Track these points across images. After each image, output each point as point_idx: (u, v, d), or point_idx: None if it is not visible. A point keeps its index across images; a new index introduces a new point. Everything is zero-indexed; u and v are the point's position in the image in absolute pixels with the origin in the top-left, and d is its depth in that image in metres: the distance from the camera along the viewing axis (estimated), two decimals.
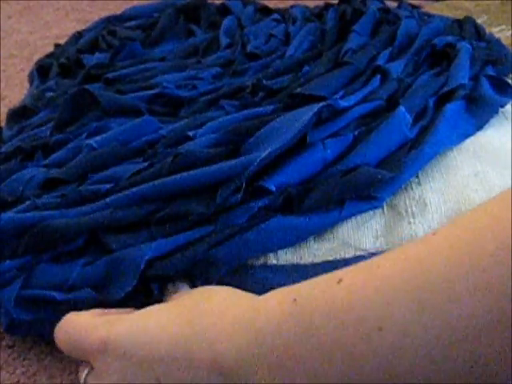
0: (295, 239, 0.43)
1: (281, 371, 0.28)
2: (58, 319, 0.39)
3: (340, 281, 0.27)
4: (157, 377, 0.31)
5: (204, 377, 0.30)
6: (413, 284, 0.25)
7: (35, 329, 0.44)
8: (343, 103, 0.51)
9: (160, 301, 0.41)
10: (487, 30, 0.69)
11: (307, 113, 0.47)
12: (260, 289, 0.36)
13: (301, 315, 0.28)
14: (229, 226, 0.43)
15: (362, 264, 0.28)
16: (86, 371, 0.36)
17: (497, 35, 0.70)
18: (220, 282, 0.41)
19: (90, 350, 0.34)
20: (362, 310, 0.26)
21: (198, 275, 0.42)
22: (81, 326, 0.36)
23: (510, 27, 0.82)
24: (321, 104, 0.48)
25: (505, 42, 0.68)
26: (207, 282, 0.42)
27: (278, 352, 0.28)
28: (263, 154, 0.44)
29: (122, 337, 0.33)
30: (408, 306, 0.24)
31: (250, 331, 0.29)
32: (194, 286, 0.42)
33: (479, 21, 0.73)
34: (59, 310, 0.42)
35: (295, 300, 0.28)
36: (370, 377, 0.26)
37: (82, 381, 0.36)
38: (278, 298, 0.30)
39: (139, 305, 0.42)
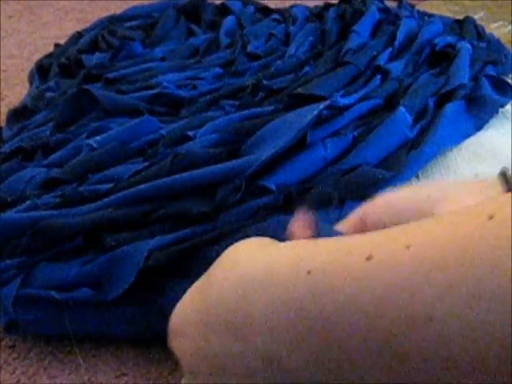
0: None
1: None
2: (57, 318, 0.39)
3: (370, 257, 0.26)
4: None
5: None
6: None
7: (35, 328, 0.44)
8: (343, 101, 0.51)
9: (158, 299, 0.41)
10: (486, 26, 0.69)
11: (308, 113, 0.47)
12: None
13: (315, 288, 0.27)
14: (228, 223, 0.43)
15: (389, 240, 0.26)
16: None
17: (496, 31, 0.70)
18: None
19: None
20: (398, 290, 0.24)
21: (195, 271, 0.42)
22: None
23: (508, 22, 0.82)
24: (322, 105, 0.48)
25: (504, 37, 0.69)
26: None
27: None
28: (263, 157, 0.44)
29: None
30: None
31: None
32: (191, 282, 0.42)
33: (476, 17, 0.73)
34: (58, 309, 0.42)
35: (309, 272, 0.26)
36: (411, 367, 0.25)
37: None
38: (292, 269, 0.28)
39: (138, 303, 0.42)
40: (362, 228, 0.36)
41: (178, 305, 0.33)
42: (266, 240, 0.31)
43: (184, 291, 0.42)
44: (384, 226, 0.31)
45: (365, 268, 0.25)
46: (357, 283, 0.25)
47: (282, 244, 0.30)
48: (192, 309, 0.32)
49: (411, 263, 0.24)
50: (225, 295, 0.29)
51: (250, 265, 0.29)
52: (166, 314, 0.42)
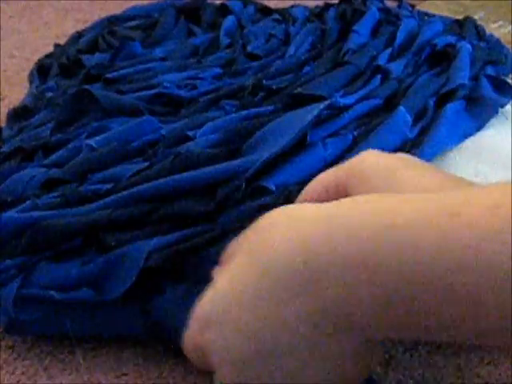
0: None
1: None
2: (57, 318, 0.39)
3: (457, 215, 0.24)
4: None
5: None
6: None
7: (34, 328, 0.44)
8: (343, 101, 0.51)
9: (158, 300, 0.41)
10: (486, 26, 0.69)
11: (308, 113, 0.47)
12: None
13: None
14: (228, 224, 0.43)
15: (478, 198, 0.25)
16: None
17: (496, 31, 0.70)
18: None
19: None
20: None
21: (195, 271, 0.42)
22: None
23: (508, 22, 0.82)
24: (322, 105, 0.48)
25: (504, 37, 0.69)
26: (204, 279, 0.42)
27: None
28: (264, 157, 0.44)
29: None
30: None
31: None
32: (190, 282, 0.42)
33: (476, 17, 0.73)
34: (58, 309, 0.42)
35: (394, 226, 0.25)
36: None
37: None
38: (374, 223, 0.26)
39: (138, 303, 0.42)
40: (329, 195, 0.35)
41: (209, 293, 0.31)
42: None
43: (184, 291, 0.42)
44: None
45: (451, 225, 0.24)
46: (442, 240, 0.24)
47: (346, 200, 0.28)
48: (236, 286, 0.30)
49: (501, 223, 0.23)
50: (290, 255, 0.28)
51: (315, 220, 0.28)
52: (166, 314, 0.42)
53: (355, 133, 0.49)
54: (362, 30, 0.64)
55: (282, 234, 0.28)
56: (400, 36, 0.62)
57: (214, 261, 0.42)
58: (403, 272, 0.25)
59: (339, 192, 0.36)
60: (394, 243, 0.25)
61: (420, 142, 0.48)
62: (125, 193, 0.45)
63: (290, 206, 0.31)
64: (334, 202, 0.29)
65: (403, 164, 0.35)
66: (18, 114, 0.63)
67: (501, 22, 0.83)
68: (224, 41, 0.69)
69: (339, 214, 0.28)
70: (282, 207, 0.31)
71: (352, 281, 0.26)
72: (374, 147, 0.47)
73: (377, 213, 0.26)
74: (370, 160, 0.35)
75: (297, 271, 0.27)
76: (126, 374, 0.43)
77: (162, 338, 0.44)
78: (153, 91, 0.58)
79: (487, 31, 0.69)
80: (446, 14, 0.80)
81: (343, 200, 0.29)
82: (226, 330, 0.30)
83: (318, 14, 0.74)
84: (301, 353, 0.29)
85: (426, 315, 0.25)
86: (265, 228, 0.30)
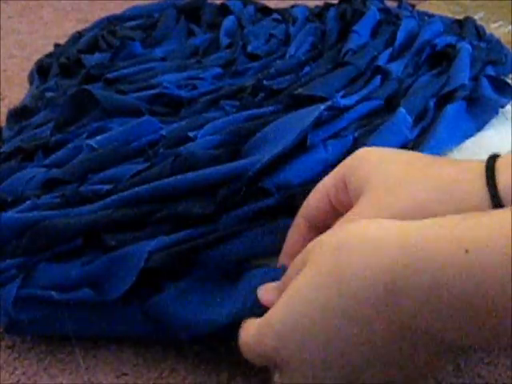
0: None
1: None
2: (57, 318, 0.39)
3: (467, 251, 0.27)
4: None
5: None
6: None
7: (35, 328, 0.44)
8: (343, 101, 0.51)
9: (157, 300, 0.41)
10: (486, 26, 0.69)
11: (308, 114, 0.47)
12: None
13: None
14: (229, 226, 0.43)
15: (482, 230, 0.27)
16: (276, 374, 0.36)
17: (496, 31, 0.70)
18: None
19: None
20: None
21: (196, 272, 0.42)
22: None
23: (508, 22, 0.82)
24: (323, 106, 0.48)
25: (504, 37, 0.69)
26: (205, 279, 0.42)
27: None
28: (264, 159, 0.44)
29: None
30: None
31: None
32: (191, 283, 0.42)
33: (476, 17, 0.73)
34: (58, 309, 0.42)
35: (467, 251, 0.27)
36: None
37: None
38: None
39: (138, 303, 0.42)
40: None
41: (279, 308, 0.33)
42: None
43: (184, 292, 0.42)
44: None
45: None
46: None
47: (418, 222, 0.30)
48: (313, 306, 0.32)
49: None
50: (371, 281, 0.30)
51: (390, 246, 0.30)
52: (166, 314, 0.42)
53: (356, 134, 0.49)
54: (362, 30, 0.64)
55: (361, 260, 0.30)
56: (400, 36, 0.62)
57: (213, 260, 0.42)
58: (479, 294, 0.27)
59: (339, 194, 0.38)
60: (468, 267, 0.27)
61: (420, 143, 0.48)
62: (125, 193, 0.45)
63: (358, 227, 0.32)
64: (404, 224, 0.30)
65: (392, 158, 0.37)
66: (18, 114, 0.63)
67: (501, 22, 0.83)
68: (224, 41, 0.69)
69: (414, 240, 0.29)
70: (347, 227, 0.32)
71: (431, 301, 0.28)
72: None
73: (452, 238, 0.28)
74: (361, 153, 0.38)
75: (380, 295, 0.29)
76: (125, 374, 0.43)
77: (162, 338, 0.44)
78: (153, 91, 0.58)
79: (487, 31, 0.69)
80: (446, 14, 0.80)
81: (413, 223, 0.30)
82: (303, 348, 0.32)
83: (318, 14, 0.74)
84: (381, 366, 0.31)
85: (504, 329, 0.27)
86: (339, 249, 0.31)
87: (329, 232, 0.33)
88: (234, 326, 0.38)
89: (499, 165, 0.33)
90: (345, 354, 0.31)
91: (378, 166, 0.36)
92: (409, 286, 0.28)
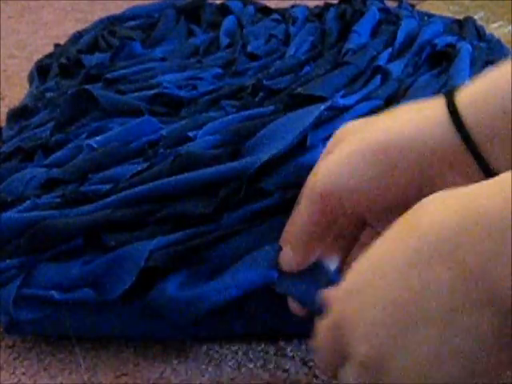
0: None
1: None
2: (57, 318, 0.39)
3: None
4: None
5: None
6: None
7: (35, 328, 0.44)
8: (343, 101, 0.51)
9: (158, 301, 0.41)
10: (486, 26, 0.69)
11: (308, 114, 0.47)
12: None
13: None
14: (229, 226, 0.43)
15: None
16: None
17: (496, 31, 0.70)
18: None
19: None
20: None
21: (196, 272, 0.42)
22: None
23: (508, 22, 0.82)
24: (323, 106, 0.48)
25: (504, 37, 0.69)
26: (204, 279, 0.42)
27: None
28: (264, 158, 0.44)
29: None
30: None
31: None
32: (192, 283, 0.42)
33: (476, 17, 0.73)
34: (58, 309, 0.42)
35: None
36: None
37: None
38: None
39: (138, 303, 0.42)
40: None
41: (355, 268, 0.33)
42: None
43: (184, 292, 0.42)
44: None
45: None
46: None
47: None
48: (382, 258, 0.32)
49: None
50: (437, 234, 0.30)
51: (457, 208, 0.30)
52: (166, 314, 0.42)
53: None
54: (362, 30, 0.64)
55: (431, 218, 0.31)
56: (400, 36, 0.62)
57: (212, 261, 0.42)
58: None
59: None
60: None
61: None
62: (125, 193, 0.45)
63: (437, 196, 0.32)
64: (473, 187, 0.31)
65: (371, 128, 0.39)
66: (18, 114, 0.63)
67: (501, 22, 0.83)
68: (224, 41, 0.69)
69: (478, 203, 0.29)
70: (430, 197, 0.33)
71: (493, 251, 0.28)
72: None
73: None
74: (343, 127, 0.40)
75: (444, 243, 0.30)
76: (125, 374, 0.43)
77: (162, 338, 0.45)
78: (153, 91, 0.58)
79: (487, 31, 0.69)
80: (446, 14, 0.80)
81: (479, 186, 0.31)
82: (369, 298, 0.32)
83: (318, 14, 0.74)
84: (440, 322, 0.30)
85: None
86: (414, 212, 0.32)
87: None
88: (232, 304, 0.38)
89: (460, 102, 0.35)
90: (407, 307, 0.31)
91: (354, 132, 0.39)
92: (475, 236, 0.28)
